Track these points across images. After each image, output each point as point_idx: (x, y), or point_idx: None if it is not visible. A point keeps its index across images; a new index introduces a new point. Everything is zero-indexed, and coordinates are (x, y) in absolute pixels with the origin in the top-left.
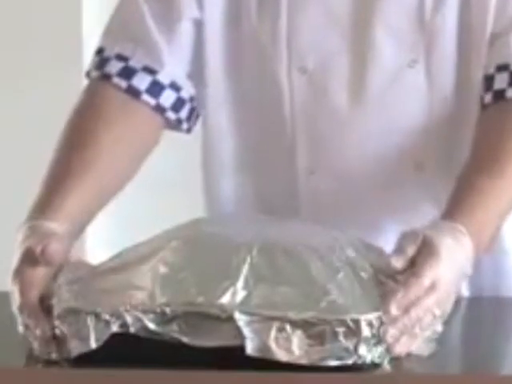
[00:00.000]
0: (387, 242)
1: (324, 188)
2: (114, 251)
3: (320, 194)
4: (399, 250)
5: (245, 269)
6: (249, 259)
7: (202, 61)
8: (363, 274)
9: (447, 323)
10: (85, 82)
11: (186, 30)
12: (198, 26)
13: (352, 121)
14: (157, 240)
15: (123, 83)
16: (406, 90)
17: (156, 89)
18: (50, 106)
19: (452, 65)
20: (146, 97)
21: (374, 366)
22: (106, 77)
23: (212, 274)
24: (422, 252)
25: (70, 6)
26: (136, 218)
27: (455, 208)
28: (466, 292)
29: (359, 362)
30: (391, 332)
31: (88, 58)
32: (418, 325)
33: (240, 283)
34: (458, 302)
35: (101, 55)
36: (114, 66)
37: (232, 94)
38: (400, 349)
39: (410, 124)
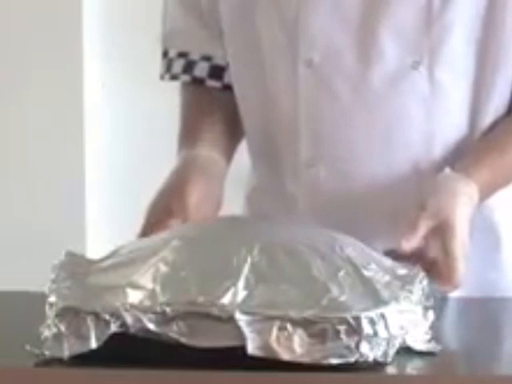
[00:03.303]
0: (382, 238)
1: (324, 180)
2: (115, 246)
3: (319, 185)
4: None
5: (246, 268)
6: (249, 259)
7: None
8: (365, 272)
9: (448, 323)
10: (85, 81)
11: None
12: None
13: (354, 116)
14: (157, 238)
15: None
16: (407, 90)
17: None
18: (50, 106)
19: (462, 71)
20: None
21: (377, 364)
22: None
23: (213, 273)
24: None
25: (69, 5)
26: (137, 214)
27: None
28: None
29: (361, 360)
30: None
31: (88, 58)
32: None
33: (241, 283)
34: (457, 302)
35: (166, 58)
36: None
37: (238, 81)
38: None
39: (410, 124)
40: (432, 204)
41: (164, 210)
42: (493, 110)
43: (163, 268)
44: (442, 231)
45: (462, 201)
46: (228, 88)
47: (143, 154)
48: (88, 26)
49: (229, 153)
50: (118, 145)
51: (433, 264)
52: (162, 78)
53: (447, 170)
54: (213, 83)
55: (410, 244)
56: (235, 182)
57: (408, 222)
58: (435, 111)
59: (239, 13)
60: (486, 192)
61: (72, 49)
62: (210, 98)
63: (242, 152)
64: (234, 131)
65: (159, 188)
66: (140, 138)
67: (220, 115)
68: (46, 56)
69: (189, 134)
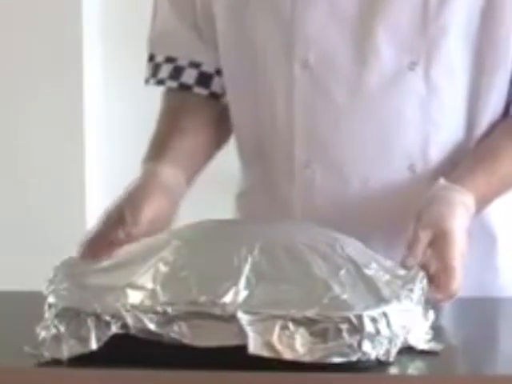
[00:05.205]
0: (377, 240)
1: (319, 181)
2: None
3: (314, 186)
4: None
5: (246, 268)
6: (250, 258)
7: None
8: (366, 271)
9: (448, 323)
10: (85, 82)
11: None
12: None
13: (350, 118)
14: (157, 239)
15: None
16: (404, 91)
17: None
18: (50, 106)
19: (459, 72)
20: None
21: (379, 363)
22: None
23: (213, 273)
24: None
25: (70, 6)
26: None
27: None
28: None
29: (363, 359)
30: None
31: (88, 57)
32: None
33: (242, 282)
34: (458, 302)
35: (153, 62)
36: (166, 71)
37: (232, 83)
38: None
39: (406, 126)
40: (429, 215)
41: (117, 219)
42: (490, 112)
43: (163, 268)
44: (440, 241)
45: (459, 211)
46: (214, 96)
47: (143, 155)
48: (88, 27)
49: (191, 173)
50: (117, 145)
51: (430, 274)
52: (147, 82)
53: (442, 181)
54: (200, 90)
55: (416, 260)
56: (220, 185)
57: (409, 239)
58: (431, 112)
59: (234, 13)
60: (483, 200)
61: (72, 49)
62: (193, 102)
63: (229, 155)
64: (207, 145)
65: (119, 196)
66: (140, 138)
67: (200, 121)
68: (45, 56)
69: (158, 147)
